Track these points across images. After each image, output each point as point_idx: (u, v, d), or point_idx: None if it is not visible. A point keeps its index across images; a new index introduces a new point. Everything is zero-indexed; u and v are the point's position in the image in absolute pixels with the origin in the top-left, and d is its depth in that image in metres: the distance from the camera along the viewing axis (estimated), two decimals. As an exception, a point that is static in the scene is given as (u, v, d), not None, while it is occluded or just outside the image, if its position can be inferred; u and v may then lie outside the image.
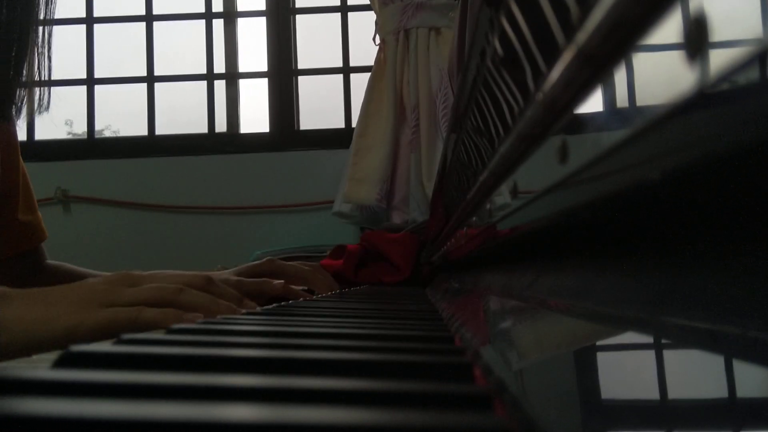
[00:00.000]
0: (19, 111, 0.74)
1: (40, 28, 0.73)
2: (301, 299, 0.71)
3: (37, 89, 0.74)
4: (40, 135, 2.52)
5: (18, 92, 0.72)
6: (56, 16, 0.75)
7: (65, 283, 0.58)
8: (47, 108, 0.76)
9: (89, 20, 2.54)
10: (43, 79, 0.74)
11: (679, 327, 0.17)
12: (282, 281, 0.75)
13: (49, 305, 0.53)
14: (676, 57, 0.14)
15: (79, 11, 2.53)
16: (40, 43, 0.73)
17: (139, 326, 0.51)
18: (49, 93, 0.76)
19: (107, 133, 2.79)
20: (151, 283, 0.57)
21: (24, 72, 0.72)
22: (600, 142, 0.21)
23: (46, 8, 0.73)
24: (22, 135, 2.41)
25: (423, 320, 0.47)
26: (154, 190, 2.39)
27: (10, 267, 0.88)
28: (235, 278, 0.71)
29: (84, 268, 0.93)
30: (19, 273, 0.88)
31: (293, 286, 0.77)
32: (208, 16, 2.54)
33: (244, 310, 0.56)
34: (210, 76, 2.52)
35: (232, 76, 2.54)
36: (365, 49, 2.33)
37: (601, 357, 0.22)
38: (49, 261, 0.95)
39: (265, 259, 0.87)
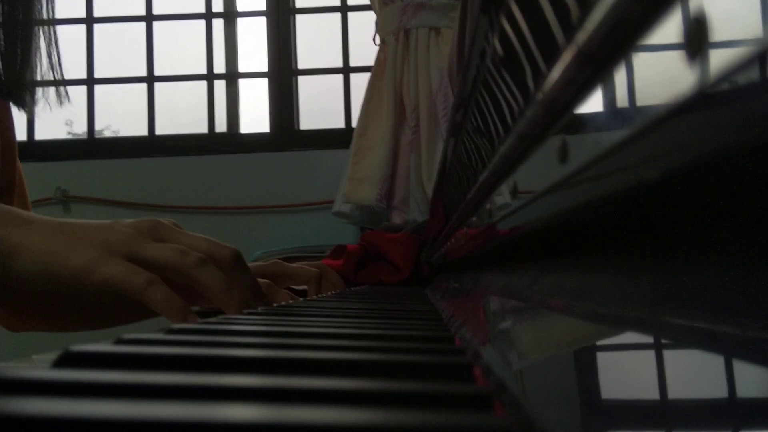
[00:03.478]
0: (33, 100, 0.73)
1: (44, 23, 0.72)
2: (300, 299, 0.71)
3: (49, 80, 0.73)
4: (40, 135, 2.52)
5: (30, 79, 0.71)
6: (56, 16, 0.74)
7: None
8: (66, 98, 0.75)
9: (89, 20, 2.54)
10: (55, 72, 0.73)
11: (679, 327, 0.17)
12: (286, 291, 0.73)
13: (70, 239, 0.51)
14: (676, 57, 0.14)
15: (79, 11, 2.53)
16: (45, 38, 0.72)
17: (143, 301, 0.50)
18: (65, 84, 0.75)
19: (107, 133, 2.79)
20: (178, 241, 0.54)
21: (35, 63, 0.71)
22: (600, 142, 0.21)
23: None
24: (21, 135, 2.42)
25: (423, 320, 0.46)
26: (154, 190, 2.39)
27: None
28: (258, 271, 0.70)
29: None
30: None
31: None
32: (208, 16, 2.55)
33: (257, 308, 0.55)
34: (210, 76, 2.52)
35: (232, 76, 2.54)
36: (365, 49, 2.33)
37: (601, 357, 0.22)
38: None
39: (271, 261, 0.84)
